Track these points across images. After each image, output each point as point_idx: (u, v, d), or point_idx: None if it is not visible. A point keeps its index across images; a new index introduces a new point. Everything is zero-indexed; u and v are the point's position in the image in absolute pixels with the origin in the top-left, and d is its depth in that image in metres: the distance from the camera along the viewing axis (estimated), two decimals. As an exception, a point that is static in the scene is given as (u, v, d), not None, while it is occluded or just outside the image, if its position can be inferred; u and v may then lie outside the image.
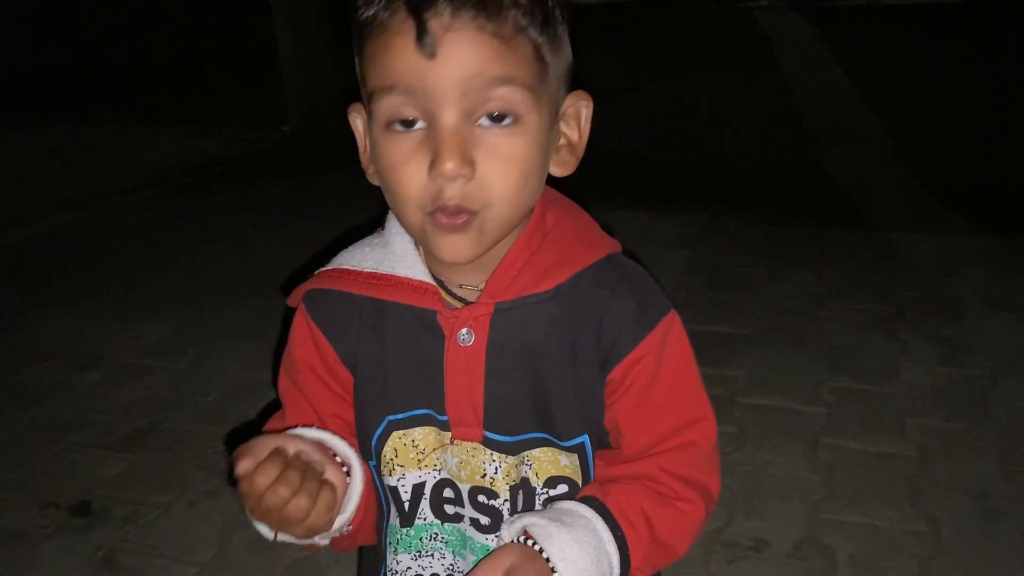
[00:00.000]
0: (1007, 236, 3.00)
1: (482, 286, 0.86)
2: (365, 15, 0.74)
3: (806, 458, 1.92)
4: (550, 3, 0.74)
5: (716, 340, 2.41)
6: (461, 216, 0.76)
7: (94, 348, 2.58)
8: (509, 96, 0.73)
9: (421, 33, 0.69)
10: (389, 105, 0.74)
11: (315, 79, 5.27)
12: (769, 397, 2.15)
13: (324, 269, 0.92)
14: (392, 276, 0.87)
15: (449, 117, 0.72)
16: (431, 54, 0.70)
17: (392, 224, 0.89)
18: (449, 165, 0.71)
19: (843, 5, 7.46)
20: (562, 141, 0.83)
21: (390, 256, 0.88)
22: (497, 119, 0.73)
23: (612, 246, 0.90)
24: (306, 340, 0.92)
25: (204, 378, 2.39)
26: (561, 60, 0.77)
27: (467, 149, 0.73)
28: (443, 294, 0.87)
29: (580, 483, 0.90)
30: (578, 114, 0.83)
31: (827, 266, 2.86)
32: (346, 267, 0.89)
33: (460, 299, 0.87)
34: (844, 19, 6.92)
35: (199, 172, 4.49)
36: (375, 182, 0.83)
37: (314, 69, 5.30)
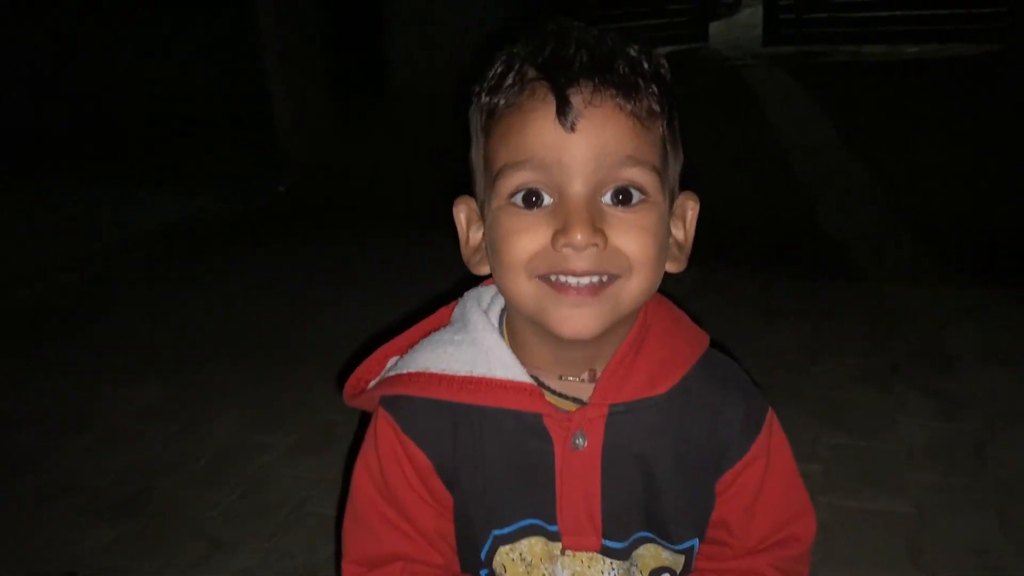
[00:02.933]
0: (1000, 288, 3.00)
1: (585, 377, 0.83)
2: (496, 100, 0.74)
3: (804, 517, 1.89)
4: (673, 98, 0.76)
5: (711, 396, 2.39)
6: (593, 284, 0.73)
7: (84, 412, 2.56)
8: (640, 176, 0.73)
9: (563, 106, 0.70)
10: (518, 179, 0.73)
11: (311, 138, 5.31)
12: (766, 454, 2.13)
13: (404, 372, 0.84)
14: (490, 379, 0.81)
15: (580, 189, 0.71)
16: (571, 128, 0.70)
17: (475, 317, 0.85)
18: (579, 235, 0.70)
19: (827, 61, 7.57)
20: (671, 239, 0.82)
21: (483, 356, 0.82)
22: (624, 200, 0.73)
23: (706, 340, 0.90)
24: (398, 454, 0.84)
25: (196, 441, 2.37)
26: (678, 156, 0.79)
27: (597, 220, 0.72)
28: (546, 395, 0.82)
29: (679, 572, 0.89)
30: (685, 214, 0.83)
31: (820, 319, 2.86)
32: (434, 371, 0.82)
33: (559, 394, 0.83)
34: (829, 74, 7.02)
35: (193, 232, 4.50)
36: (481, 271, 0.81)
37: (310, 128, 5.34)
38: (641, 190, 0.73)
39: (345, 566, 0.88)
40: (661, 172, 0.74)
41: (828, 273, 3.30)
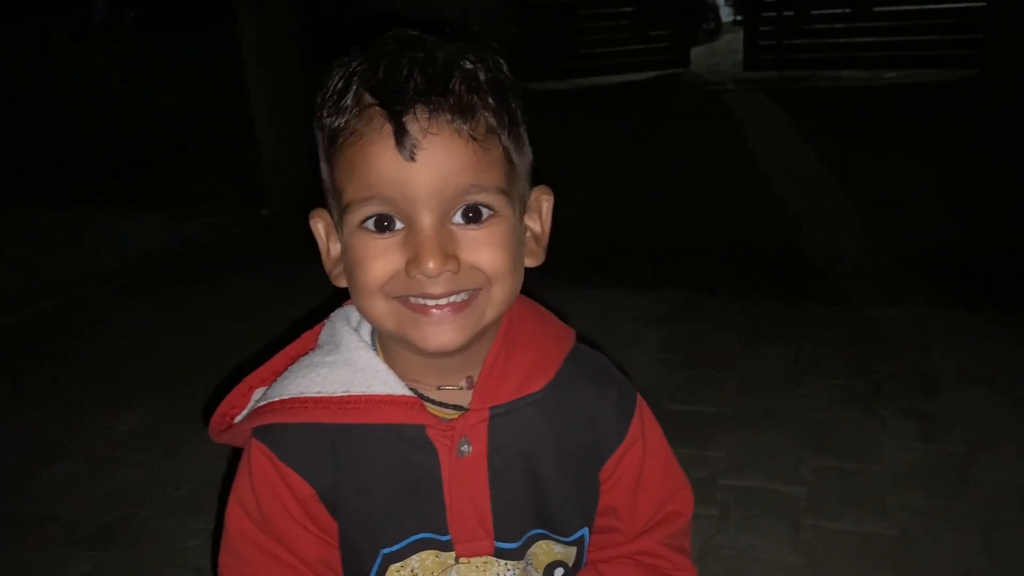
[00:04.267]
0: (982, 310, 3.02)
1: (463, 384, 0.84)
2: (336, 123, 0.74)
3: (789, 540, 1.89)
4: (513, 105, 0.76)
5: (695, 420, 2.39)
6: (453, 303, 0.75)
7: (62, 440, 2.52)
8: (484, 199, 0.74)
9: (400, 136, 0.70)
10: (366, 211, 0.74)
11: (294, 162, 5.31)
12: (750, 478, 2.13)
13: (277, 399, 0.83)
14: (370, 396, 0.80)
15: (427, 219, 0.72)
16: (411, 157, 0.70)
17: (346, 337, 0.85)
18: (431, 264, 0.71)
19: (807, 86, 7.66)
20: (528, 234, 0.84)
21: (359, 374, 0.81)
22: (473, 219, 0.74)
23: (572, 335, 0.91)
24: (275, 483, 0.82)
25: (175, 470, 2.34)
26: (524, 158, 0.79)
27: (448, 247, 0.73)
28: (426, 405, 0.82)
29: (572, 564, 0.91)
30: (540, 208, 0.84)
31: (804, 342, 2.87)
32: (309, 395, 0.81)
33: (438, 403, 0.84)
34: (809, 98, 7.10)
35: (175, 258, 4.48)
36: (341, 283, 0.82)
37: (293, 152, 5.34)
38: (488, 207, 0.74)
39: None
40: (506, 188, 0.75)
41: (810, 296, 3.31)
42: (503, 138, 0.74)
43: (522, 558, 0.87)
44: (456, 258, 0.73)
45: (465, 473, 0.83)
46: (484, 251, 0.74)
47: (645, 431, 0.92)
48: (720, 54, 10.85)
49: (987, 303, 3.07)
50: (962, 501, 1.99)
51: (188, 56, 7.68)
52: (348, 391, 0.81)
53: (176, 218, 5.19)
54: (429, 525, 0.84)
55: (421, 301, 0.75)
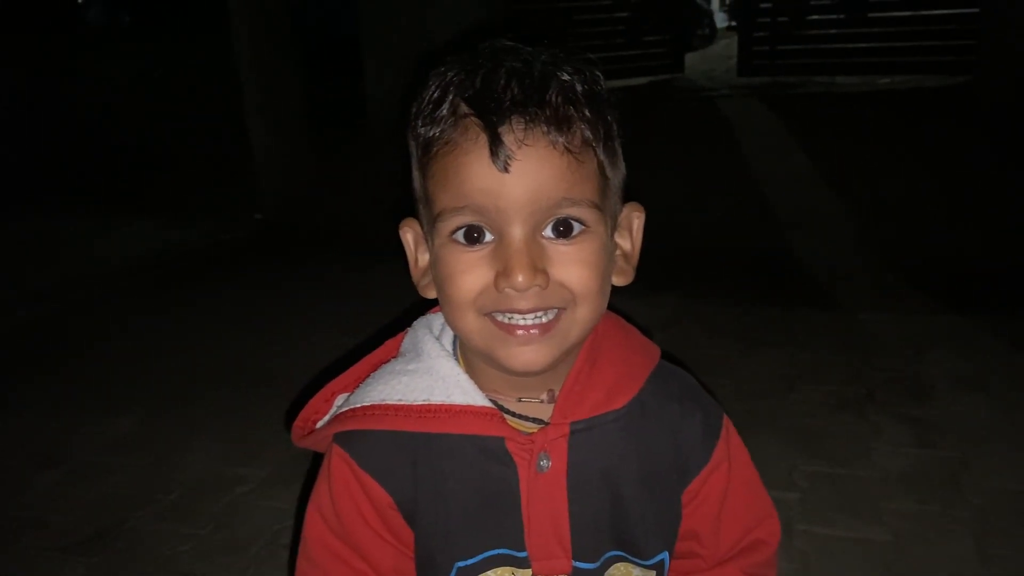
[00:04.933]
0: (974, 315, 3.03)
1: (543, 397, 0.83)
2: (431, 132, 0.73)
3: (781, 546, 1.88)
4: (609, 118, 0.75)
5: (688, 425, 2.39)
6: (541, 323, 0.74)
7: (54, 445, 2.52)
8: (577, 213, 0.73)
9: (495, 146, 0.69)
10: (458, 221, 0.73)
11: (288, 169, 5.31)
12: (743, 483, 2.13)
13: (359, 406, 0.83)
14: (450, 406, 0.80)
15: (518, 231, 0.71)
16: (504, 168, 0.69)
17: (428, 345, 0.84)
18: (521, 277, 0.71)
19: (801, 92, 7.67)
20: (618, 251, 0.82)
21: (440, 383, 0.81)
22: (564, 233, 0.73)
23: (657, 352, 0.90)
24: (354, 490, 0.83)
25: (168, 475, 2.33)
26: (618, 173, 0.78)
27: (537, 261, 0.72)
28: (506, 418, 0.82)
29: None
30: (631, 225, 0.83)
31: (797, 348, 2.87)
32: (390, 403, 0.81)
33: (519, 416, 0.82)
34: (803, 104, 7.11)
35: (169, 264, 4.47)
36: (429, 294, 0.81)
37: (287, 159, 5.34)
38: (580, 222, 0.74)
39: None
40: (599, 203, 0.74)
41: (804, 302, 3.32)
42: (598, 151, 0.73)
43: None
44: (545, 272, 0.72)
45: (544, 488, 0.81)
46: (573, 268, 0.73)
47: (731, 454, 0.90)
48: (715, 60, 10.87)
49: (980, 309, 3.07)
50: (955, 506, 1.99)
51: (183, 61, 7.68)
52: (429, 400, 0.80)
53: (170, 223, 5.18)
54: (506, 540, 0.83)
55: (509, 319, 0.74)
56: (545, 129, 0.70)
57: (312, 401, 0.90)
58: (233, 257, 4.55)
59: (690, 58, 10.08)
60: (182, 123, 7.11)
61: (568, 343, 0.77)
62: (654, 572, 0.88)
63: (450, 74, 0.73)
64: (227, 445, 2.43)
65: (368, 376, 0.87)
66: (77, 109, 7.16)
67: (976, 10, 6.81)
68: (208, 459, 2.39)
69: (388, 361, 0.88)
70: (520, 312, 0.73)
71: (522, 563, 0.83)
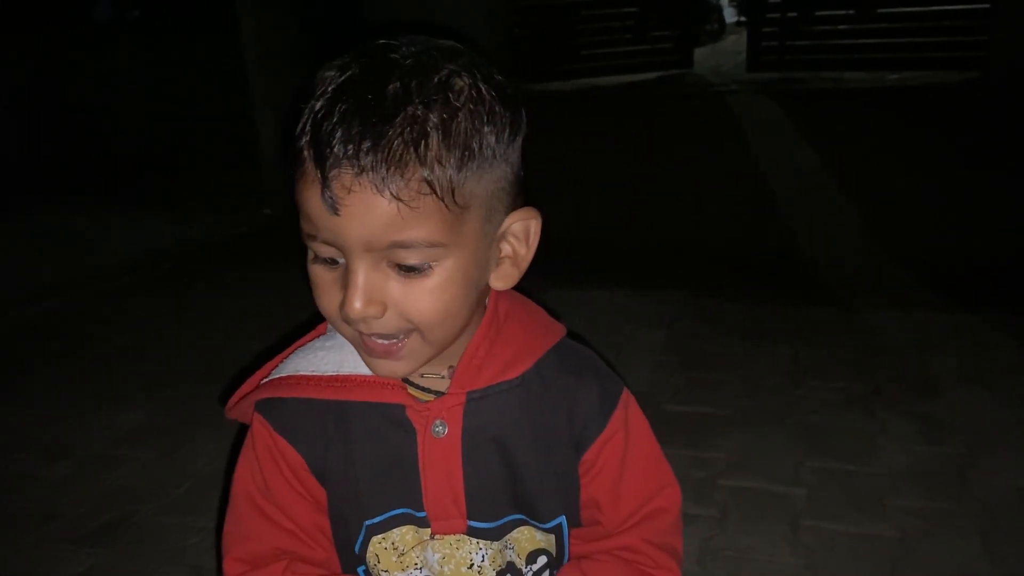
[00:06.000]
0: (980, 312, 3.03)
1: (445, 373, 0.88)
2: (297, 143, 0.74)
3: (787, 541, 1.89)
4: (476, 136, 0.72)
5: (695, 421, 2.39)
6: (386, 345, 0.78)
7: (64, 438, 2.53)
8: (414, 255, 0.74)
9: (324, 191, 0.71)
10: (314, 247, 0.77)
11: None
12: (750, 479, 2.13)
13: (275, 376, 0.90)
14: (356, 376, 0.86)
15: (359, 265, 0.74)
16: (334, 211, 0.71)
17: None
18: (356, 306, 0.74)
19: (810, 87, 7.66)
20: (506, 254, 0.82)
21: (350, 357, 0.87)
22: (406, 270, 0.75)
23: (560, 330, 0.94)
24: (273, 452, 0.89)
25: (177, 468, 2.35)
26: (491, 187, 0.76)
27: (375, 292, 0.75)
28: (408, 388, 0.87)
29: (555, 553, 0.94)
30: (526, 231, 0.82)
31: (803, 345, 2.87)
32: (304, 373, 0.88)
33: (422, 388, 0.88)
34: (811, 100, 7.10)
35: (177, 258, 4.49)
36: None
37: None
38: (420, 265, 0.75)
39: (227, 563, 0.91)
40: (443, 240, 0.74)
41: (810, 298, 3.32)
42: (442, 185, 0.71)
43: (498, 539, 0.90)
44: (382, 304, 0.75)
45: (440, 453, 0.87)
46: (411, 302, 0.75)
47: (629, 424, 0.94)
48: (723, 55, 10.85)
49: (987, 306, 3.07)
50: (961, 503, 1.99)
51: (190, 56, 7.69)
52: (338, 371, 0.87)
53: (178, 218, 5.20)
54: (407, 501, 0.88)
55: (369, 339, 0.79)
56: (371, 177, 0.69)
57: (248, 380, 0.96)
58: (241, 252, 4.56)
59: (698, 53, 10.07)
60: (189, 118, 7.12)
61: (424, 357, 0.81)
62: (553, 536, 0.93)
63: (328, 78, 0.74)
64: (236, 439, 2.43)
65: (293, 352, 0.94)
66: (83, 104, 7.17)
67: (986, 6, 6.78)
68: (217, 453, 2.40)
69: (312, 340, 0.95)
70: (366, 334, 0.78)
71: (422, 522, 0.88)
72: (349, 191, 0.70)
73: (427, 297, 0.75)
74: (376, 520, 0.89)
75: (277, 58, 5.25)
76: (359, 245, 0.73)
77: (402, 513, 0.89)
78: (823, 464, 2.18)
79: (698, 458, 2.21)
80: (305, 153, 0.72)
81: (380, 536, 0.89)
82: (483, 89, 0.73)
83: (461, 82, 0.72)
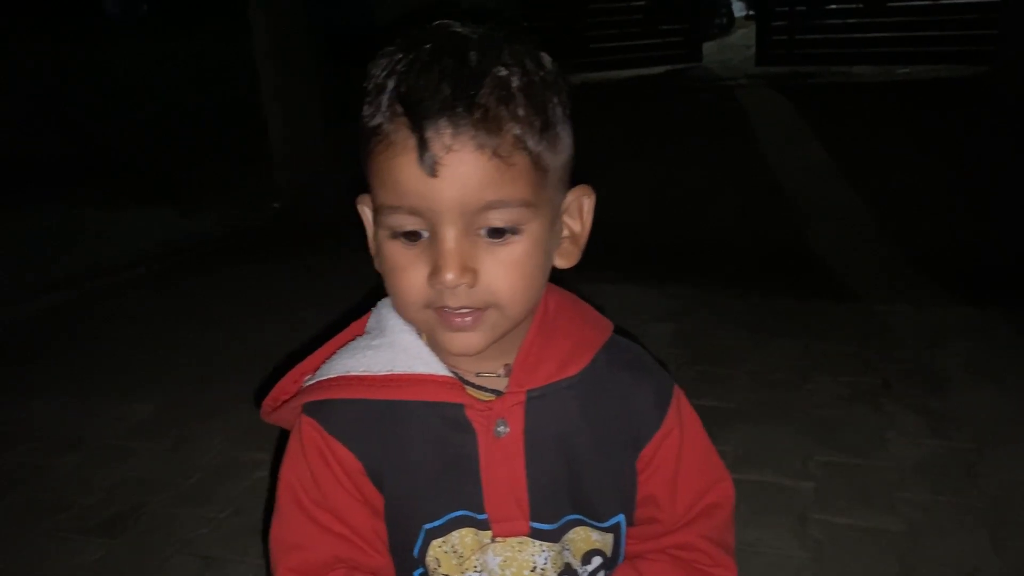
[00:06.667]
0: (989, 307, 3.01)
1: (501, 371, 0.86)
2: (371, 123, 0.74)
3: (795, 535, 1.90)
4: (549, 106, 0.75)
5: (704, 414, 2.36)
6: (468, 315, 0.77)
7: (75, 430, 2.55)
8: (506, 216, 0.74)
9: (423, 151, 0.71)
10: (395, 221, 0.76)
11: (306, 156, 5.33)
12: (758, 472, 2.13)
13: (325, 378, 0.87)
14: (411, 375, 0.84)
15: (450, 232, 0.74)
16: (432, 172, 0.71)
17: (391, 322, 0.87)
18: (449, 276, 0.73)
19: (819, 81, 7.63)
20: (565, 233, 0.84)
21: (403, 355, 0.85)
22: (496, 234, 0.75)
23: (609, 326, 0.93)
24: (326, 455, 0.86)
25: (186, 460, 2.36)
26: (561, 157, 0.78)
27: (467, 260, 0.74)
28: (466, 388, 0.86)
29: (610, 554, 0.92)
30: (581, 207, 0.84)
31: (812, 339, 2.87)
32: (355, 373, 0.86)
33: (478, 387, 0.86)
34: (820, 94, 7.07)
35: (187, 251, 4.50)
36: (380, 270, 0.83)
37: (305, 146, 5.36)
38: (511, 227, 0.75)
39: (281, 575, 0.89)
40: (532, 199, 0.75)
41: (818, 292, 3.31)
42: (532, 145, 0.73)
43: (558, 541, 0.89)
44: (475, 271, 0.74)
45: (502, 453, 0.85)
46: (501, 271, 0.75)
47: (683, 419, 0.93)
48: (732, 49, 10.80)
49: (996, 301, 3.06)
50: (969, 498, 1.99)
51: (200, 50, 7.70)
52: (392, 370, 0.84)
53: (188, 211, 5.21)
54: (467, 503, 0.86)
55: (446, 313, 0.77)
56: (472, 133, 0.70)
57: (281, 382, 0.94)
58: (251, 245, 4.57)
59: (707, 47, 10.03)
60: (199, 112, 7.13)
61: (498, 332, 0.80)
62: (611, 536, 0.91)
63: (393, 60, 0.74)
64: (245, 430, 2.45)
65: (335, 352, 0.91)
66: (94, 98, 7.19)
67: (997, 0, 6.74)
68: (226, 444, 2.41)
69: (354, 340, 0.92)
70: (450, 308, 0.77)
71: (482, 525, 0.86)
72: (449, 150, 0.70)
73: (511, 266, 0.76)
74: (436, 524, 0.86)
75: (287, 52, 5.26)
76: (453, 208, 0.72)
77: (461, 515, 0.86)
78: (831, 458, 2.18)
79: (706, 451, 2.21)
80: (390, 125, 0.72)
81: (440, 540, 0.87)
82: (546, 62, 0.76)
83: (527, 55, 0.75)
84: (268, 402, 0.94)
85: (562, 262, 0.84)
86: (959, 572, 1.76)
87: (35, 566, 1.96)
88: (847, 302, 3.20)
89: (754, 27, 9.33)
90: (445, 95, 0.70)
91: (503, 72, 0.72)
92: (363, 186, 0.83)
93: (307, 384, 0.89)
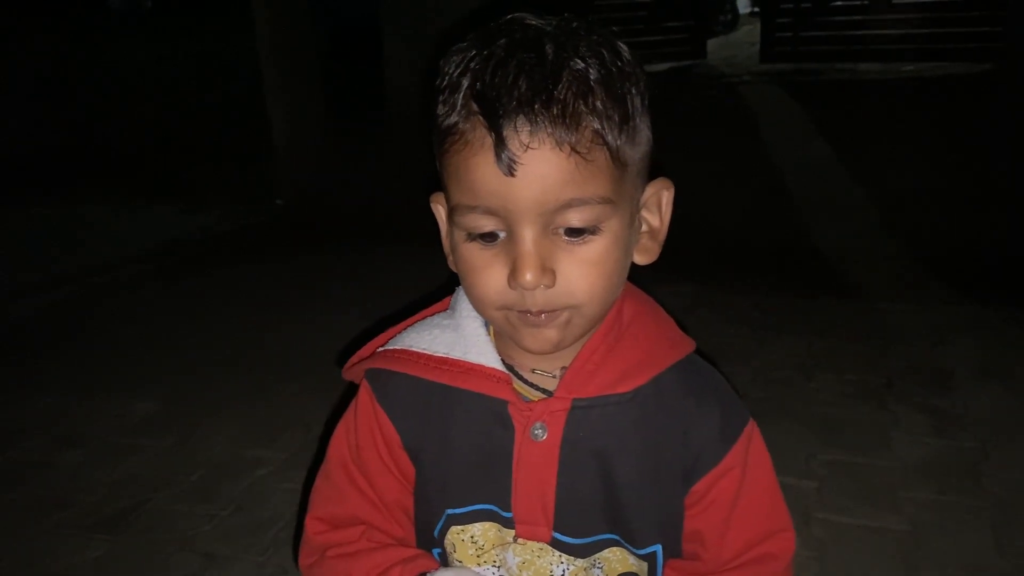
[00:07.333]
0: (994, 305, 3.01)
1: (556, 372, 0.84)
2: (446, 122, 0.73)
3: (799, 534, 1.88)
4: (628, 98, 0.73)
5: (706, 413, 2.38)
6: (548, 312, 0.76)
7: (78, 426, 2.55)
8: (586, 214, 0.72)
9: (500, 150, 0.69)
10: (471, 222, 0.74)
11: (308, 152, 5.32)
12: (760, 471, 2.12)
13: (389, 348, 0.88)
14: (464, 362, 0.84)
15: (528, 233, 0.72)
16: (509, 172, 0.69)
17: (462, 305, 0.87)
18: (528, 276, 0.72)
19: (824, 79, 7.60)
20: (644, 228, 0.82)
21: (461, 340, 0.85)
22: (575, 233, 0.73)
23: (690, 345, 0.89)
24: (372, 422, 0.88)
25: (189, 456, 2.36)
26: (640, 150, 0.76)
27: (546, 260, 0.73)
28: (515, 382, 0.85)
29: None
30: (659, 201, 0.83)
31: (815, 337, 2.86)
32: (415, 349, 0.86)
33: (531, 385, 0.85)
34: (825, 91, 7.05)
35: (190, 248, 4.50)
36: (455, 269, 0.82)
37: (307, 145, 5.36)
38: (590, 226, 0.74)
39: (309, 521, 0.91)
40: (611, 195, 0.73)
41: (822, 290, 3.30)
42: (611, 139, 0.72)
43: (585, 557, 0.86)
44: (553, 272, 0.73)
45: (536, 456, 0.83)
46: (580, 271, 0.74)
47: (749, 460, 0.87)
48: (736, 46, 10.78)
49: (1001, 299, 3.05)
50: (974, 497, 1.99)
51: (203, 46, 7.70)
52: (448, 354, 0.85)
53: (190, 208, 5.21)
54: (495, 498, 0.85)
55: (525, 313, 0.76)
56: (551, 130, 0.69)
57: (371, 343, 0.94)
58: (253, 242, 4.57)
59: (712, 44, 10.01)
60: (202, 108, 7.13)
61: (576, 332, 0.79)
62: (646, 564, 0.88)
63: (467, 57, 0.73)
64: (247, 428, 2.45)
65: (414, 323, 0.92)
66: (96, 93, 7.19)
67: (1003, -4, 6.70)
68: (228, 441, 2.41)
69: (433, 315, 0.92)
70: (530, 312, 0.75)
71: (507, 523, 0.85)
72: (527, 148, 0.69)
73: (591, 266, 0.74)
74: (458, 511, 0.86)
75: (290, 48, 5.25)
76: (531, 208, 0.71)
77: (487, 509, 0.86)
78: (835, 456, 2.17)
79: (709, 450, 2.20)
80: (466, 123, 0.71)
81: (460, 528, 0.87)
82: (623, 52, 0.74)
83: (604, 47, 0.73)
84: (349, 361, 0.95)
85: (641, 259, 0.82)
86: (963, 572, 1.75)
87: (37, 563, 1.96)
88: (851, 300, 3.19)
89: (758, 24, 9.30)
90: (522, 91, 0.68)
91: (580, 65, 0.70)
92: (430, 187, 0.82)
93: (379, 351, 0.90)
